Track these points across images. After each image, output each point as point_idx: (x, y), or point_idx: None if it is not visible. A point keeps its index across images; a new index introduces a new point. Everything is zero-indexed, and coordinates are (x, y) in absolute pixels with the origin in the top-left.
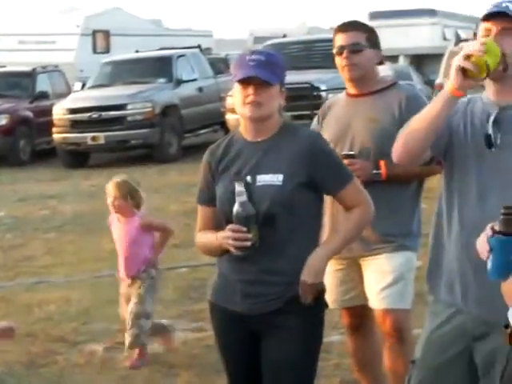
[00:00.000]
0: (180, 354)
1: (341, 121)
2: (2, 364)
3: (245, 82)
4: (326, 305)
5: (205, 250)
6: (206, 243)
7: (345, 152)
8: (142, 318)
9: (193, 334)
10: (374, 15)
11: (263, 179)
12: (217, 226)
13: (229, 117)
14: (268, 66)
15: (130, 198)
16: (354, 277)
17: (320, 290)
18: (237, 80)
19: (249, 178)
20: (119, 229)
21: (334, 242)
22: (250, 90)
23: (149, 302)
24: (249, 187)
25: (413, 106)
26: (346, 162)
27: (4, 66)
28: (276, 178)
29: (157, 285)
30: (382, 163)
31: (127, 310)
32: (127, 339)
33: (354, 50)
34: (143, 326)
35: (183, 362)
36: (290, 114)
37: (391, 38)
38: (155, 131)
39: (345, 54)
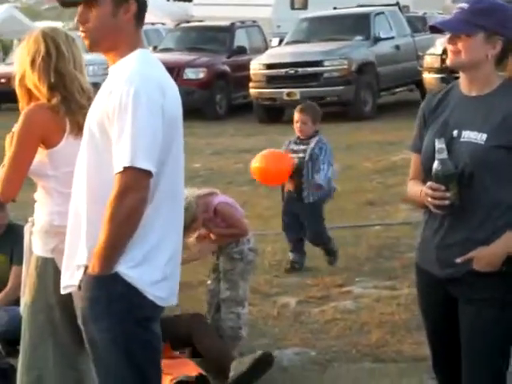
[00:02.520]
0: (372, 312)
1: None
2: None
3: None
4: None
5: (412, 202)
6: (413, 196)
7: None
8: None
9: (385, 291)
10: None
11: (467, 135)
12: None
13: (426, 76)
14: (468, 14)
15: None
16: None
17: None
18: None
19: (455, 133)
20: None
21: None
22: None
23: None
24: (452, 142)
25: None
26: None
27: (202, 21)
28: (479, 137)
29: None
30: None
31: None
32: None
33: None
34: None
35: (375, 319)
36: None
37: None
38: (351, 88)
39: None
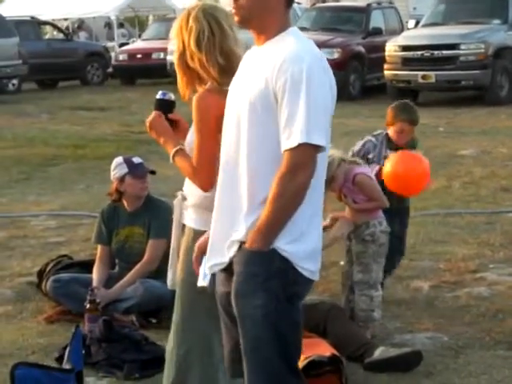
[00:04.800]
0: (507, 299)
1: None
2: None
3: None
4: None
5: None
6: None
7: None
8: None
9: None
10: None
11: None
12: None
13: None
14: None
15: None
16: None
17: None
18: None
19: None
20: None
21: None
22: None
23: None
24: None
25: None
26: None
27: (338, 1)
28: None
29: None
30: None
31: None
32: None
33: None
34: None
35: (510, 307)
36: None
37: None
38: (487, 73)
39: None
